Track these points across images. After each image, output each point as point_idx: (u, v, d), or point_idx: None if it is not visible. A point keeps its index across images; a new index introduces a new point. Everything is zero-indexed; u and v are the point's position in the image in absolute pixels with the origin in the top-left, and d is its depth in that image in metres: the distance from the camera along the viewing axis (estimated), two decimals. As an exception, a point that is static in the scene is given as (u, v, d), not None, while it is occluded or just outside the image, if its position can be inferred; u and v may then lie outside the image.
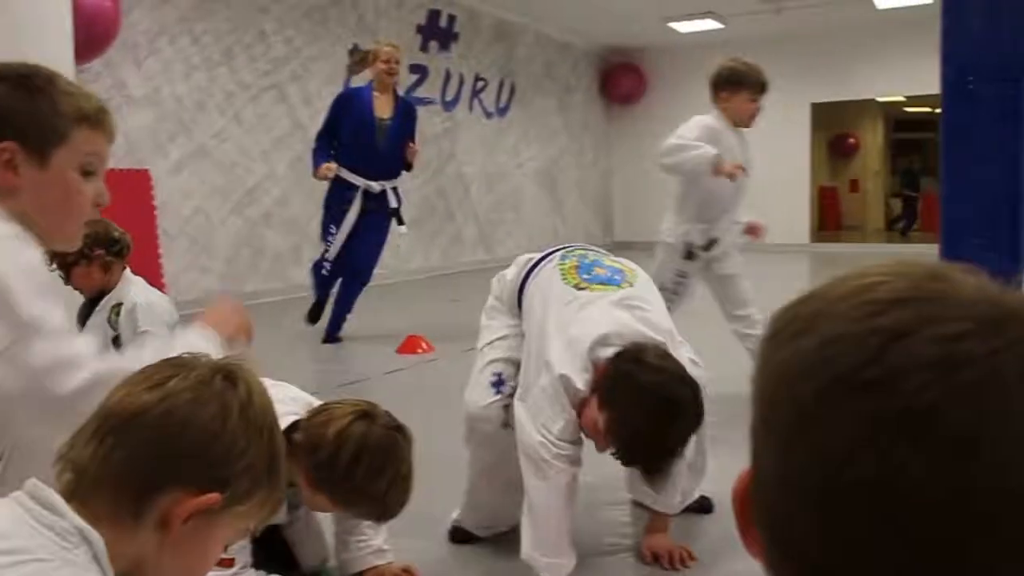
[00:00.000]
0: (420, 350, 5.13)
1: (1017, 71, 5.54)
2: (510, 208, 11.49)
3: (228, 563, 1.76)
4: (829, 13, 10.96)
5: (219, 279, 7.32)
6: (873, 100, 15.15)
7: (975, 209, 5.59)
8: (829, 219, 17.51)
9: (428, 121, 9.17)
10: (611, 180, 13.98)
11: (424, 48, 9.69)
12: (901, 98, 14.43)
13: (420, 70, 9.59)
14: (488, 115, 11.00)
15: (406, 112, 5.54)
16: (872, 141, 18.37)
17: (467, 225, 10.65)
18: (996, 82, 5.52)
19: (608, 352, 1.94)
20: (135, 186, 6.42)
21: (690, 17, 11.18)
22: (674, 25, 11.57)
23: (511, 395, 2.16)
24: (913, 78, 10.31)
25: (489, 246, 11.02)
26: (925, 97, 12.00)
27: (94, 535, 0.92)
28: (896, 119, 18.16)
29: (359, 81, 7.22)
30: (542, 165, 12.22)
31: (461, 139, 10.48)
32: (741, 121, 3.65)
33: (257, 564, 1.88)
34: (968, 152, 5.64)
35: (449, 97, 10.21)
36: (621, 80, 13.35)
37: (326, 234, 5.46)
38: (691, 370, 1.97)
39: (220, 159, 7.41)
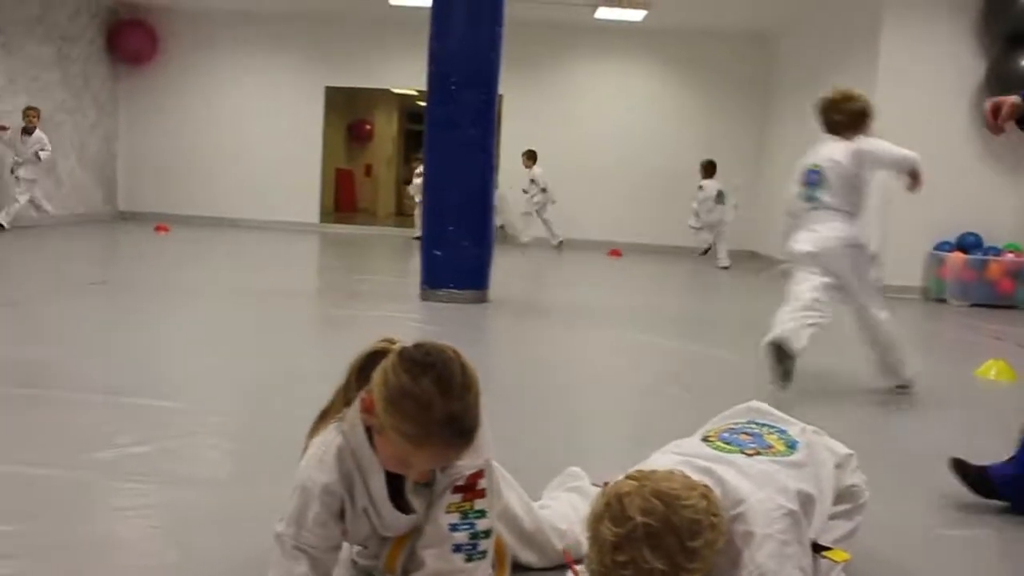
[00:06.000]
0: None
1: (489, 78, 6.18)
2: (-12, 167, 10.07)
3: None
4: (343, 1, 11.28)
5: None
6: (388, 90, 15.87)
7: (454, 198, 6.14)
8: (345, 201, 18.07)
9: None
10: (115, 144, 12.91)
11: None
12: (413, 91, 15.30)
13: None
14: (-38, 56, 9.50)
15: None
16: (387, 129, 19.31)
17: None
18: (473, 86, 6.10)
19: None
20: None
21: (205, -19, 10.76)
22: (189, -13, 11.03)
23: None
24: (423, 72, 10.89)
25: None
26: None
27: None
28: (410, 111, 19.24)
29: None
30: (32, 121, 10.86)
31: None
32: None
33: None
34: (450, 146, 6.16)
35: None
36: (130, 37, 12.33)
37: None
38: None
39: None
